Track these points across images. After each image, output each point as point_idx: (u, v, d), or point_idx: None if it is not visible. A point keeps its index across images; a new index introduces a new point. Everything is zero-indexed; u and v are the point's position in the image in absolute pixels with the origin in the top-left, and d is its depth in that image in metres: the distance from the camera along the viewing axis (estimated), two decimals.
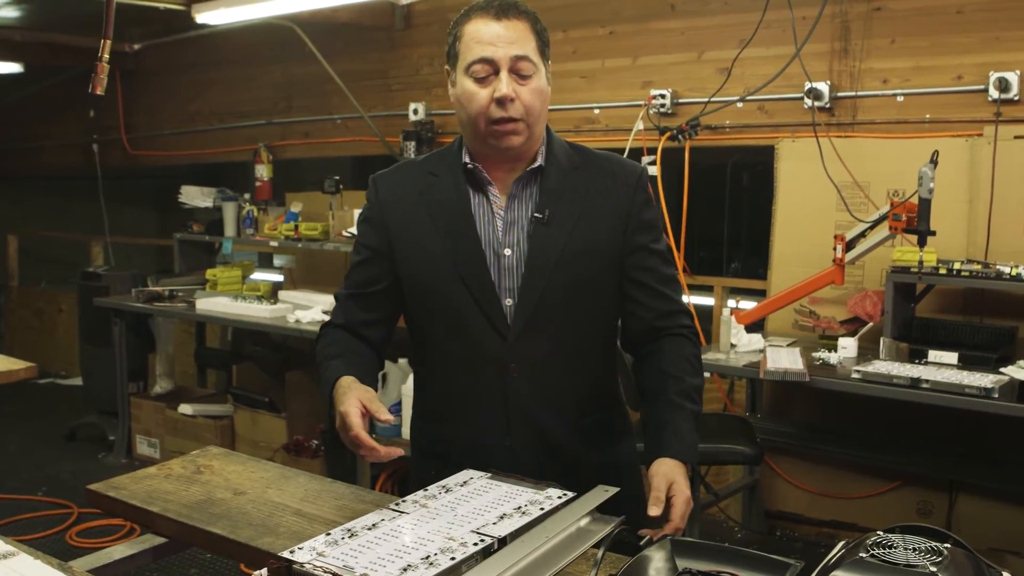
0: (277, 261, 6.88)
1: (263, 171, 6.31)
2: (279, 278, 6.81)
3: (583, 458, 2.03)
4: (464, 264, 1.97)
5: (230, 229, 6.08)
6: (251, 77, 6.87)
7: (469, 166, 2.01)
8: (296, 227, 5.60)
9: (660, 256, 2.08)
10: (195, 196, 6.35)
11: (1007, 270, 3.70)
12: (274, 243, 5.81)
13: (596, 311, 2.06)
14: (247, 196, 6.24)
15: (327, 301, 5.11)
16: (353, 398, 1.83)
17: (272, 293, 5.69)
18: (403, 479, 4.59)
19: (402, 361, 4.38)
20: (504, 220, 2.00)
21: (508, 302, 1.98)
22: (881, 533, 1.47)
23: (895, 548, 1.42)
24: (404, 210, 2.03)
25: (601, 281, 2.04)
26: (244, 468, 2.12)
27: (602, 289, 2.05)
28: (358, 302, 2.09)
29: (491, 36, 1.92)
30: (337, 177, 5.56)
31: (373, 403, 1.83)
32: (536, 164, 2.00)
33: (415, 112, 5.82)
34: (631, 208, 2.04)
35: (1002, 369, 3.54)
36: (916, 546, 1.42)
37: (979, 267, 3.80)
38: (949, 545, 1.44)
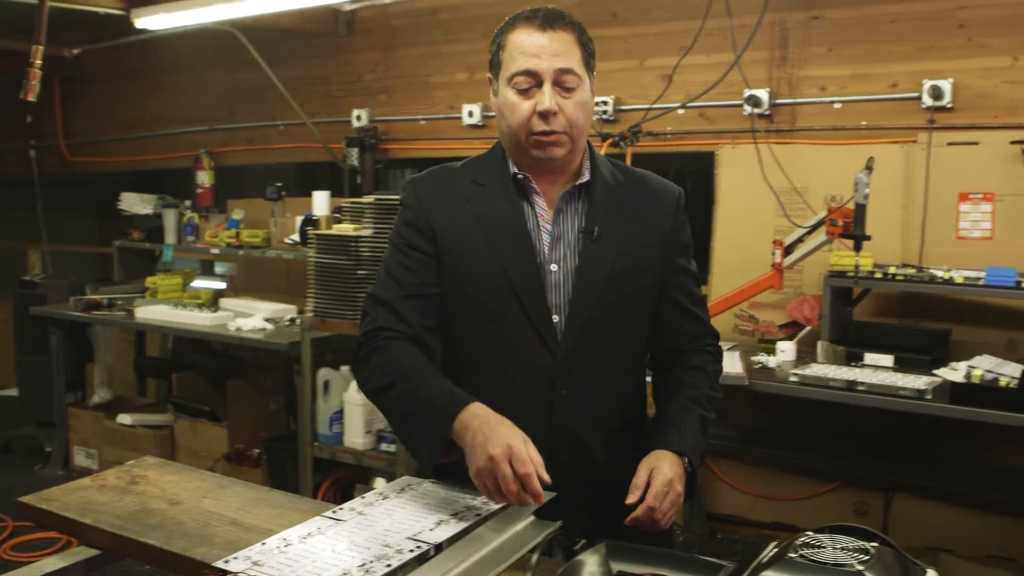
0: (219, 269, 6.81)
1: (204, 178, 6.25)
2: (221, 286, 6.74)
3: (619, 475, 1.87)
4: (518, 278, 1.91)
5: (170, 236, 6.01)
6: (193, 83, 6.80)
7: (519, 176, 1.96)
8: (238, 234, 5.55)
9: (694, 277, 2.09)
10: (135, 203, 6.27)
11: (940, 274, 3.78)
12: (215, 250, 5.76)
13: (637, 328, 2.03)
14: (188, 203, 6.17)
15: (269, 308, 5.07)
16: (516, 433, 1.69)
17: (213, 301, 5.63)
18: (345, 488, 4.57)
19: (344, 368, 4.36)
20: (551, 235, 1.95)
21: (555, 318, 1.93)
22: (811, 534, 1.49)
23: (824, 548, 1.44)
24: (452, 217, 1.96)
25: (644, 299, 2.02)
26: (180, 478, 2.09)
27: (644, 307, 2.02)
28: (419, 304, 1.96)
29: (535, 47, 1.87)
30: (279, 184, 5.52)
31: (536, 452, 1.68)
32: (583, 179, 1.97)
33: (358, 118, 5.80)
34: (673, 227, 2.03)
35: (936, 371, 3.61)
36: (844, 546, 1.45)
37: (914, 271, 3.87)
38: (876, 544, 1.47)
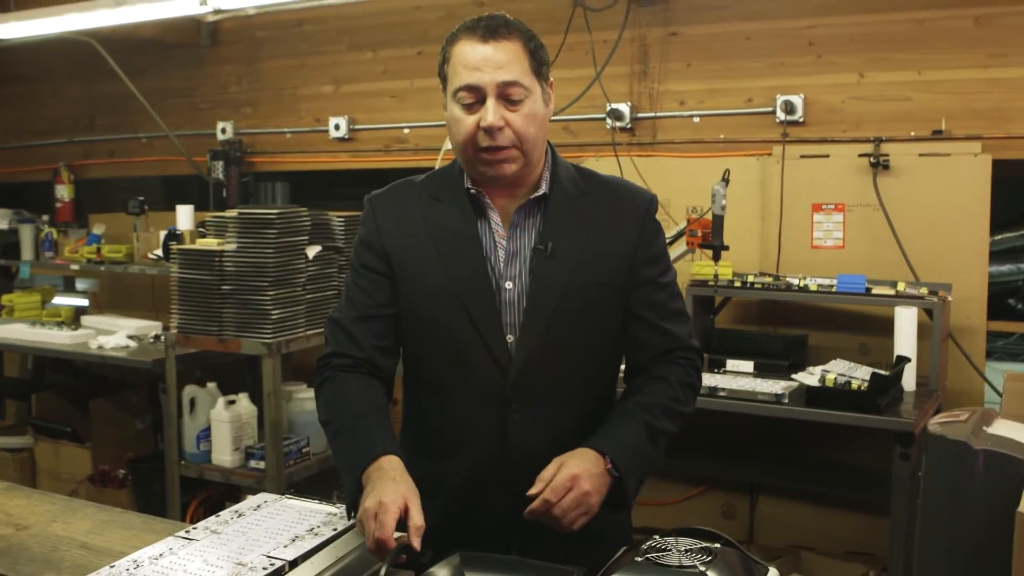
0: (81, 285, 6.61)
1: (64, 191, 6.07)
2: (83, 303, 6.54)
3: None
4: (469, 296, 1.86)
5: (27, 253, 5.81)
6: (49, 94, 6.59)
7: (472, 191, 1.90)
8: (99, 249, 5.39)
9: (667, 290, 1.98)
10: None
11: (796, 282, 3.91)
12: (75, 266, 5.58)
13: (599, 347, 1.96)
14: (46, 218, 5.98)
15: (133, 325, 4.93)
16: (398, 493, 1.64)
17: (74, 318, 5.46)
18: (216, 506, 4.48)
19: (211, 385, 4.27)
20: (506, 251, 1.89)
21: (510, 338, 1.87)
22: (657, 537, 1.54)
23: (669, 551, 1.49)
24: (405, 235, 1.92)
25: (606, 316, 1.93)
26: (28, 502, 2.03)
27: (607, 324, 1.94)
28: (372, 326, 1.93)
29: (477, 60, 1.79)
30: (141, 198, 5.40)
31: (416, 511, 1.64)
32: (540, 192, 1.90)
33: (223, 131, 5.71)
34: (640, 239, 1.94)
35: (793, 375, 3.73)
36: (689, 548, 1.50)
37: (771, 279, 4.01)
38: (720, 545, 1.52)
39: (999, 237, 5.16)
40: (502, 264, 1.88)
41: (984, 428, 2.97)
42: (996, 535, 2.65)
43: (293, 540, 1.67)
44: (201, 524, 1.76)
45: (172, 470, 4.22)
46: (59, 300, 5.82)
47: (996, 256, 5.12)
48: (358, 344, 1.91)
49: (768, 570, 1.57)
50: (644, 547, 1.51)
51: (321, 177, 5.70)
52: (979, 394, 3.98)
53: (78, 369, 5.95)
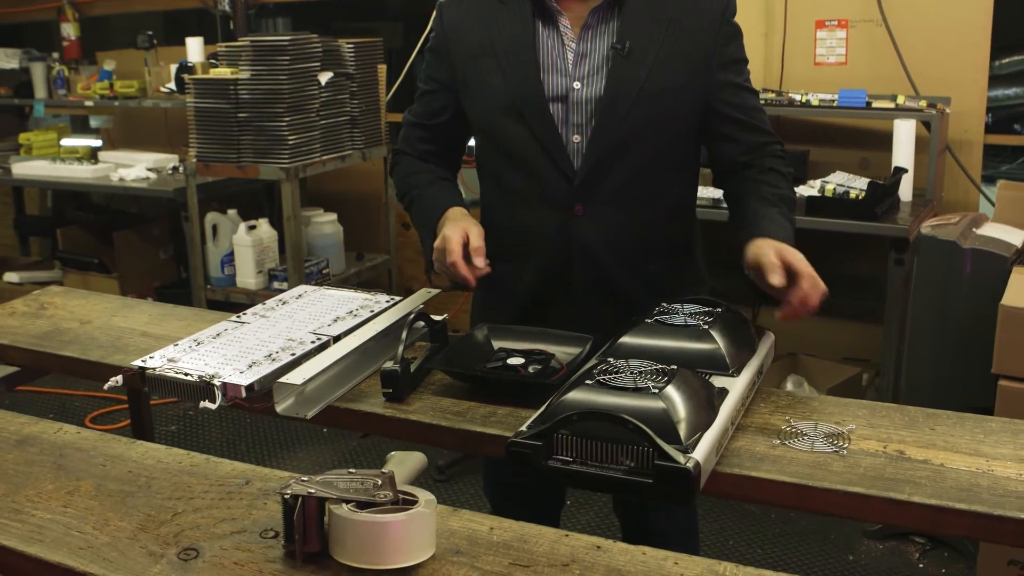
0: (93, 123, 6.68)
1: (70, 30, 6.06)
2: (95, 142, 6.62)
3: (643, 304, 1.79)
4: (524, 98, 1.85)
5: (40, 91, 5.86)
6: None
7: None
8: (111, 85, 5.45)
9: (747, 90, 1.95)
10: None
11: (799, 98, 4.00)
12: (89, 103, 5.65)
13: (673, 152, 1.93)
14: (56, 56, 6.01)
15: (150, 159, 5.05)
16: (459, 226, 1.80)
17: (91, 155, 5.57)
18: None
19: (231, 212, 4.42)
20: (575, 52, 1.86)
21: (576, 138, 1.87)
22: (665, 304, 1.71)
23: (676, 314, 1.66)
24: (469, 40, 1.92)
25: (682, 120, 1.90)
26: (87, 302, 2.21)
27: (682, 129, 1.91)
28: (420, 132, 2.06)
29: None
30: (151, 32, 5.43)
31: (475, 236, 1.78)
32: None
33: None
34: (717, 41, 1.88)
35: (795, 188, 3.86)
36: (694, 311, 1.67)
37: (774, 95, 4.09)
38: (720, 309, 1.69)
39: (1006, 60, 5.19)
40: (571, 65, 1.86)
41: (974, 230, 3.15)
42: (980, 329, 2.85)
43: (335, 320, 1.84)
44: (249, 311, 1.92)
45: (199, 294, 4.41)
46: (72, 141, 5.90)
47: (1002, 80, 5.17)
48: (412, 146, 2.08)
49: (765, 332, 1.75)
50: (655, 311, 1.68)
51: (323, 8, 5.70)
52: (975, 205, 4.11)
53: (97, 205, 6.10)
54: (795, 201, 1.90)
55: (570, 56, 1.86)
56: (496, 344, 1.75)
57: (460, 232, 1.77)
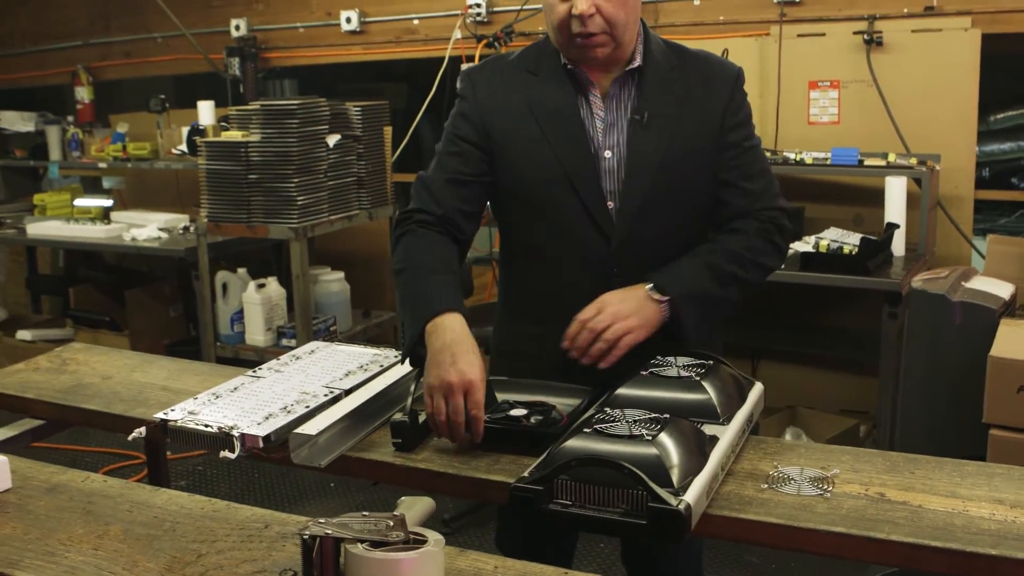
0: (105, 184, 6.82)
1: (84, 93, 6.24)
2: (106, 202, 6.77)
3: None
4: (572, 166, 1.94)
5: (55, 153, 6.02)
6: None
7: (569, 67, 1.97)
8: (124, 147, 5.60)
9: (750, 153, 2.03)
10: (15, 121, 6.23)
11: (793, 156, 4.12)
12: (103, 164, 5.80)
13: (695, 214, 2.03)
14: (70, 119, 6.17)
15: (162, 219, 5.17)
16: (480, 369, 1.71)
17: (104, 215, 5.70)
18: None
19: (241, 270, 4.53)
20: (604, 121, 1.97)
21: (610, 204, 1.95)
22: (660, 357, 1.80)
23: (670, 367, 1.75)
24: (506, 109, 1.99)
25: (699, 183, 2.00)
26: (107, 358, 2.30)
27: (701, 191, 2.01)
28: (458, 189, 2.00)
29: None
30: (163, 96, 5.59)
31: (479, 392, 1.69)
32: (634, 64, 1.96)
33: (237, 28, 5.84)
34: (728, 107, 1.99)
35: (791, 245, 3.97)
36: (686, 363, 1.76)
37: (769, 154, 4.21)
38: (711, 362, 1.79)
39: (1000, 116, 5.33)
40: (600, 135, 1.96)
41: (963, 283, 3.24)
42: (971, 380, 2.93)
43: (347, 375, 1.94)
44: (264, 366, 2.02)
45: (209, 351, 4.50)
46: (84, 201, 6.03)
47: (996, 135, 5.30)
48: (439, 203, 1.98)
49: (754, 384, 1.84)
50: (651, 363, 1.77)
51: (332, 71, 5.87)
52: (966, 259, 4.21)
53: (108, 265, 6.22)
54: (740, 256, 1.96)
55: (599, 125, 1.97)
56: (500, 396, 1.85)
57: (462, 382, 1.68)
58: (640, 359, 1.83)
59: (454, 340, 1.73)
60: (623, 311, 1.82)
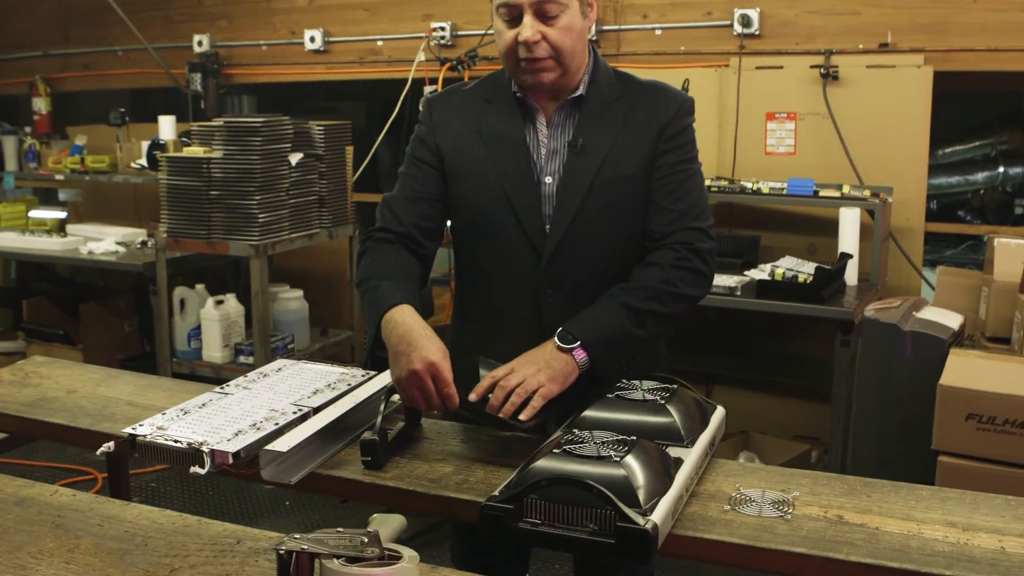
0: (61, 196, 6.75)
1: (41, 104, 6.19)
2: (61, 214, 6.70)
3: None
4: (514, 190, 2.02)
5: (11, 164, 5.96)
6: (22, 6, 6.65)
7: (518, 95, 2.05)
8: (82, 160, 5.56)
9: (682, 175, 2.05)
10: None
11: (750, 185, 4.20)
12: (60, 176, 5.75)
13: (629, 239, 2.06)
14: (28, 130, 6.11)
15: (119, 232, 5.13)
16: (438, 349, 1.79)
17: (59, 227, 5.65)
18: None
19: (199, 286, 4.52)
20: (547, 148, 2.05)
21: (548, 228, 2.03)
22: (625, 381, 1.84)
23: (635, 390, 1.79)
24: (458, 133, 2.08)
25: (633, 209, 2.04)
26: (72, 371, 2.29)
27: (634, 217, 2.05)
28: (417, 207, 2.09)
29: None
30: (123, 109, 5.56)
31: (447, 371, 1.78)
32: (576, 93, 2.04)
33: (199, 44, 5.84)
34: (664, 130, 2.03)
35: (746, 272, 4.04)
36: (651, 387, 1.80)
37: (726, 183, 4.29)
38: (676, 386, 1.83)
39: (949, 150, 5.47)
40: (543, 160, 2.05)
41: (914, 313, 3.32)
42: (920, 407, 3.01)
43: (315, 392, 1.95)
44: (232, 383, 2.03)
45: (165, 367, 4.47)
46: (39, 212, 5.97)
47: (945, 168, 5.44)
48: (400, 220, 2.07)
49: (716, 407, 1.88)
50: (616, 386, 1.81)
51: (291, 89, 5.87)
52: (916, 290, 4.31)
53: (61, 278, 6.15)
54: (657, 290, 1.97)
55: (543, 152, 2.06)
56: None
57: (426, 367, 1.76)
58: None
59: (407, 330, 1.81)
60: (531, 369, 1.84)
